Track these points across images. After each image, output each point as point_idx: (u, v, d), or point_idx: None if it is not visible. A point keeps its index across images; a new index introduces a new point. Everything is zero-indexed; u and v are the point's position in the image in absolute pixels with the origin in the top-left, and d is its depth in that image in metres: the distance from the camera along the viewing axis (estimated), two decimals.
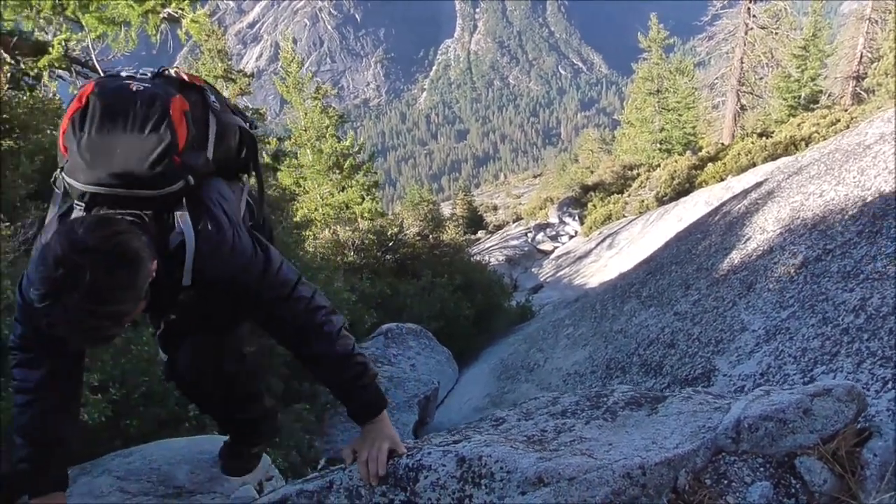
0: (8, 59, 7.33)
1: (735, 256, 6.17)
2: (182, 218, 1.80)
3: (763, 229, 6.25)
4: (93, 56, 7.53)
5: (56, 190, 1.83)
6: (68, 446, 2.02)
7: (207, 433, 3.31)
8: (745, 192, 8.51)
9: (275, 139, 17.25)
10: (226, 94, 16.40)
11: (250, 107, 17.63)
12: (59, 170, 1.79)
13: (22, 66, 7.51)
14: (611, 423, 2.12)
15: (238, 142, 2.16)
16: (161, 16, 6.53)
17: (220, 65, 16.58)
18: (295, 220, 8.60)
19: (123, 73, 1.89)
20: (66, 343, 1.82)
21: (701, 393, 2.33)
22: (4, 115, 5.67)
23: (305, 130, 18.83)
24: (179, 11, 6.57)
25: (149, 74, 1.90)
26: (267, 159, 16.01)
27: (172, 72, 1.97)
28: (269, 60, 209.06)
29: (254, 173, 2.29)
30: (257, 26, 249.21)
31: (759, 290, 5.11)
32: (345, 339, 2.00)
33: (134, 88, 1.79)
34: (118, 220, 1.64)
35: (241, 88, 16.70)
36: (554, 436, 2.04)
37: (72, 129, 1.75)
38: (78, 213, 1.76)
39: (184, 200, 1.82)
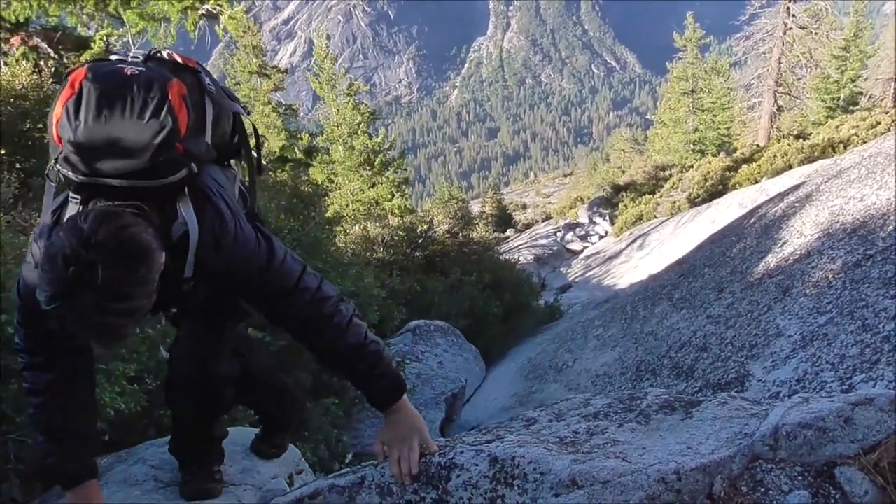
0: (52, 54, 7.51)
1: (771, 260, 6.07)
2: (184, 208, 1.73)
3: (800, 233, 6.14)
4: (133, 51, 7.65)
5: (49, 182, 1.76)
6: (93, 438, 1.97)
7: (239, 425, 3.35)
8: (782, 195, 8.37)
9: (307, 135, 17.37)
10: (260, 89, 16.63)
11: (283, 102, 17.79)
12: (52, 161, 1.70)
13: (65, 60, 7.67)
14: (644, 426, 2.09)
15: (231, 127, 2.06)
16: (200, 12, 6.61)
17: (254, 61, 16.74)
18: (326, 215, 8.64)
19: (113, 58, 1.79)
20: (74, 342, 1.81)
21: (737, 398, 2.30)
22: (47, 109, 5.79)
23: (337, 126, 18.96)
24: (218, 8, 6.65)
25: (141, 58, 1.82)
26: (299, 154, 16.16)
27: (165, 54, 1.88)
28: (303, 57, 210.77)
29: (245, 160, 2.18)
30: (292, 23, 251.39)
31: (795, 295, 5.02)
32: (356, 328, 1.92)
33: (128, 73, 1.69)
34: (123, 213, 1.55)
35: (275, 84, 16.86)
36: (586, 438, 2.02)
37: (66, 117, 1.65)
38: (74, 206, 1.68)
39: (185, 189, 1.75)
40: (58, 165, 1.67)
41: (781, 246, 6.20)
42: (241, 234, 1.82)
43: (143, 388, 2.70)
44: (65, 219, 1.66)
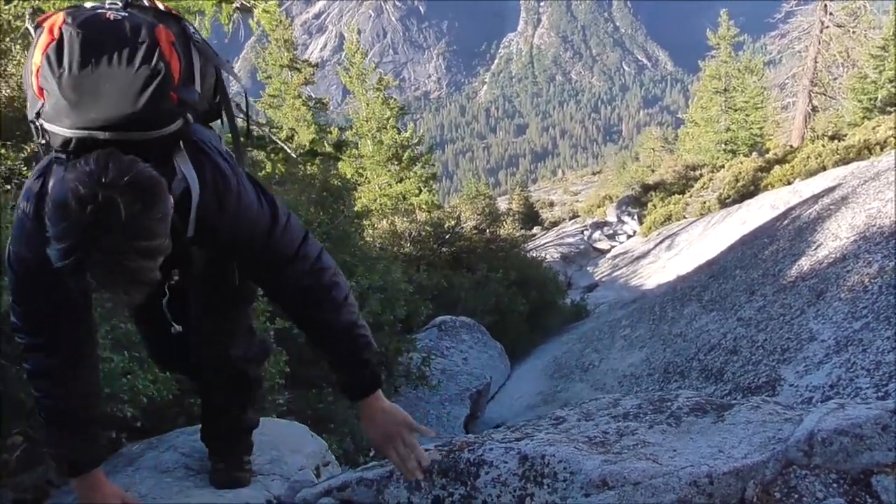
0: None
1: (804, 263, 5.97)
2: (182, 164, 1.61)
3: (836, 236, 6.03)
4: None
5: (37, 140, 1.59)
6: (97, 424, 1.87)
7: (266, 416, 3.39)
8: (816, 197, 8.22)
9: (336, 129, 17.46)
10: (291, 83, 16.75)
11: (313, 96, 17.88)
12: (33, 115, 1.54)
13: None
14: (675, 428, 2.07)
15: (214, 84, 1.88)
16: (234, 5, 6.67)
17: (286, 54, 16.84)
18: (355, 209, 8.69)
19: (89, 4, 1.61)
20: (79, 315, 1.69)
21: (770, 403, 2.26)
22: None
23: (367, 121, 19.03)
24: (252, 2, 6.71)
25: (120, 3, 1.63)
26: (328, 148, 16.24)
27: (145, 0, 1.70)
28: (333, 51, 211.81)
29: (228, 120, 1.99)
30: (323, 17, 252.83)
31: (829, 299, 4.93)
32: (351, 307, 1.82)
33: (111, 17, 1.54)
34: (122, 153, 1.41)
35: (305, 78, 16.93)
36: (616, 438, 2.00)
37: (48, 66, 1.49)
38: (59, 167, 1.52)
39: (181, 143, 1.62)
40: (40, 120, 1.53)
41: (815, 249, 6.09)
42: (245, 194, 1.70)
43: (175, 377, 2.73)
44: (51, 183, 1.52)
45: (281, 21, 15.57)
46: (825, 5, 25.87)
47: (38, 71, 1.51)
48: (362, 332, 1.83)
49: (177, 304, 1.95)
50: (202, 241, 1.69)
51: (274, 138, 10.48)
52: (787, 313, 5.25)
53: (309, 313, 1.82)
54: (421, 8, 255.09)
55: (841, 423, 1.78)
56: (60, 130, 1.50)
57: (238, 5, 6.70)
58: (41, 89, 1.51)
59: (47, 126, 1.52)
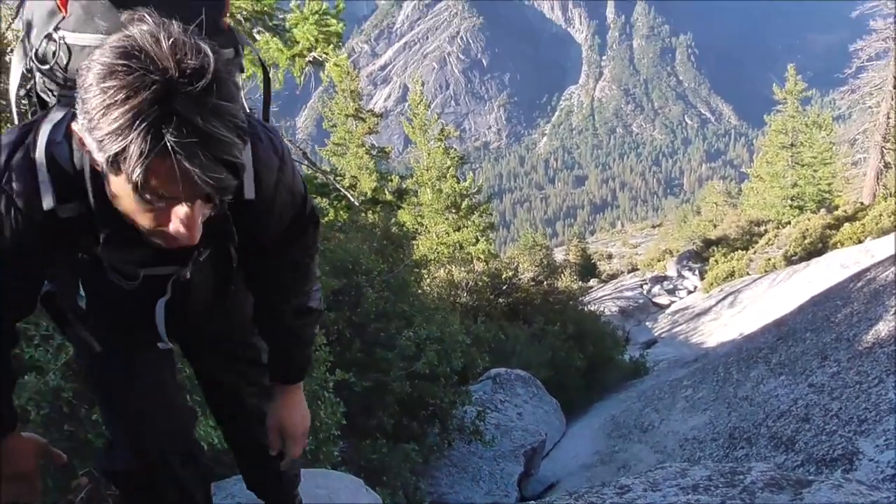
0: None
1: (882, 328, 5.67)
2: None
3: None
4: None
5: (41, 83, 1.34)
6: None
7: (320, 466, 3.36)
8: (894, 259, 7.87)
9: (397, 177, 17.78)
10: (355, 132, 17.20)
11: (376, 145, 18.30)
12: (53, 31, 1.28)
13: None
14: None
15: None
16: (307, 59, 6.92)
17: (351, 104, 17.35)
18: (414, 258, 8.75)
19: None
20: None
21: (852, 482, 2.12)
22: None
23: (427, 170, 19.34)
24: (324, 56, 6.94)
25: None
26: (389, 196, 16.51)
27: None
28: (397, 101, 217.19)
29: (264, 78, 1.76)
30: (388, 69, 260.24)
31: None
32: (319, 292, 1.74)
33: None
34: None
35: (369, 127, 17.38)
36: None
37: None
38: (59, 113, 1.27)
39: None
40: (60, 33, 1.27)
41: (894, 314, 5.79)
42: (289, 157, 1.49)
43: None
44: (40, 140, 1.23)
45: (349, 73, 16.11)
46: None
47: None
48: (317, 322, 1.76)
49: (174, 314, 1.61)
50: (258, 205, 1.42)
51: (337, 185, 10.72)
52: (864, 381, 4.97)
53: (284, 293, 1.66)
54: (483, 61, 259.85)
55: None
56: (92, 38, 1.25)
57: (311, 59, 6.94)
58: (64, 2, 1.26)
59: (71, 38, 1.27)
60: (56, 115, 1.26)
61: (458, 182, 19.74)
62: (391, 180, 17.11)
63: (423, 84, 21.58)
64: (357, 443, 4.35)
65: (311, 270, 1.68)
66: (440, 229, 18.57)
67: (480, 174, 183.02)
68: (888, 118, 25.80)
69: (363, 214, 10.88)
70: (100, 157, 1.06)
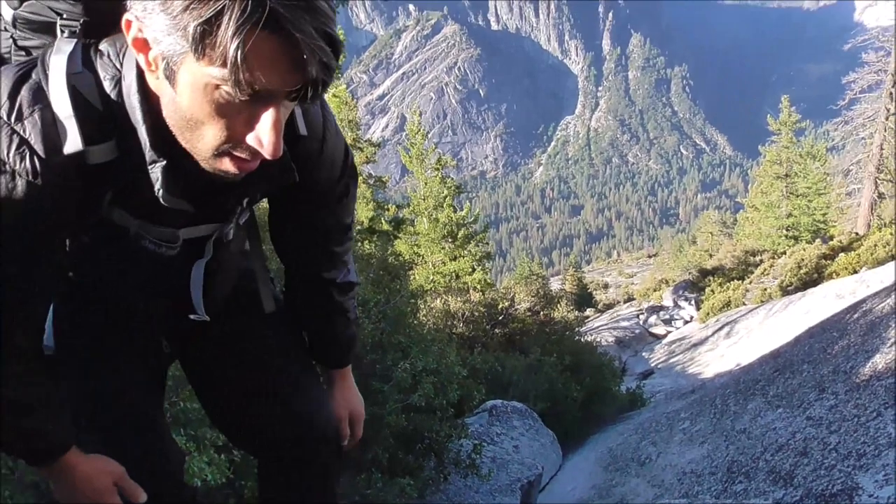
0: None
1: (879, 361, 5.64)
2: None
3: None
4: None
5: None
6: (54, 403, 1.25)
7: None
8: (889, 290, 7.87)
9: (394, 206, 17.83)
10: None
11: (373, 174, 18.38)
12: None
13: None
14: None
15: None
16: None
17: (349, 134, 17.43)
18: (411, 288, 8.74)
19: None
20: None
21: None
22: None
23: (424, 199, 19.39)
24: None
25: None
26: (385, 226, 16.54)
27: None
28: (394, 131, 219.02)
29: None
30: (386, 98, 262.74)
31: None
32: (355, 270, 1.61)
33: None
34: None
35: (367, 157, 17.47)
36: None
37: None
38: (67, 44, 1.04)
39: None
40: None
41: (891, 346, 5.77)
42: (334, 122, 1.34)
43: (229, 459, 2.71)
44: (52, 76, 1.02)
45: (347, 103, 16.25)
46: (891, 93, 25.58)
47: None
48: (355, 297, 1.64)
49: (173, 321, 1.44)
50: (300, 144, 1.26)
51: None
52: (862, 415, 4.93)
53: (321, 264, 1.52)
54: (481, 91, 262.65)
55: None
56: None
57: None
58: None
59: None
60: (65, 47, 1.04)
61: (455, 211, 19.79)
62: (388, 210, 17.16)
63: (420, 114, 21.74)
64: (352, 477, 4.30)
65: (350, 236, 1.55)
66: (436, 259, 18.58)
67: (477, 203, 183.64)
68: (881, 149, 26.10)
69: (360, 244, 10.89)
70: (171, 44, 0.87)
